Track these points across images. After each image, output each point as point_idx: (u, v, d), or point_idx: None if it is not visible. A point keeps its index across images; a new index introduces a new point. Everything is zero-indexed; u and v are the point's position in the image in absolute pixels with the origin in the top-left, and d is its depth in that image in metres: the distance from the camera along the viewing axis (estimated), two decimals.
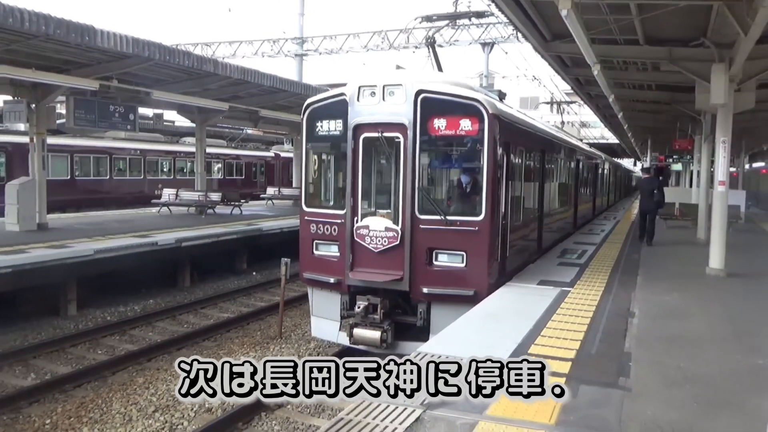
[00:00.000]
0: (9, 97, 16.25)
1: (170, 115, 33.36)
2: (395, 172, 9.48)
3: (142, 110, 21.18)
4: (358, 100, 9.52)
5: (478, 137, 9.02)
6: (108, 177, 28.11)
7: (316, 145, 10.54)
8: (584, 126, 50.32)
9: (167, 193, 22.51)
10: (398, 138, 9.28)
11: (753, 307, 9.14)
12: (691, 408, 5.14)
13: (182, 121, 30.33)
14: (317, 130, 10.05)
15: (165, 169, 31.86)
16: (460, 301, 8.86)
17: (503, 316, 7.92)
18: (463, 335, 7.01)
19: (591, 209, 24.79)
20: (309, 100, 10.25)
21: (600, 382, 5.63)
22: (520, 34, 15.08)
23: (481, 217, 9.03)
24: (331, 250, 9.89)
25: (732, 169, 19.97)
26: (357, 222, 9.54)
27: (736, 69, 10.82)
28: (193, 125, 23.08)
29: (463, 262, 9.07)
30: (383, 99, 9.35)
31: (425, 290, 9.12)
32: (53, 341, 11.06)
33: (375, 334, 9.14)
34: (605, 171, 30.97)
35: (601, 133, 47.62)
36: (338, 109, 9.68)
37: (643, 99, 19.25)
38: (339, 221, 9.73)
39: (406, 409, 4.89)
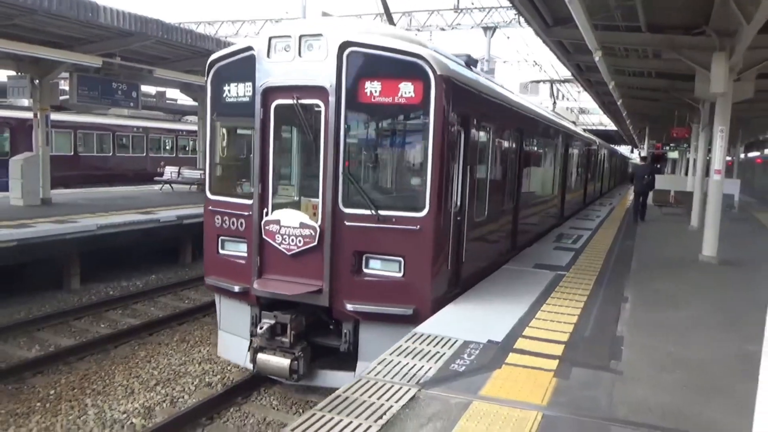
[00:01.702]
0: (12, 73, 16.13)
1: (173, 94, 33.17)
2: (315, 152, 7.32)
3: (144, 88, 21.01)
4: (268, 56, 7.30)
5: (422, 107, 6.87)
6: (111, 154, 28.03)
7: (223, 114, 8.16)
8: (583, 112, 50.11)
9: (169, 171, 22.45)
10: (318, 106, 7.12)
11: (744, 294, 9.17)
12: (681, 392, 5.17)
13: (185, 100, 30.16)
14: (224, 95, 7.87)
15: (167, 147, 31.77)
16: (396, 320, 6.93)
17: (498, 299, 7.93)
18: (459, 317, 7.03)
19: (581, 198, 22.86)
20: (213, 57, 8.02)
21: (592, 365, 5.66)
22: (522, 19, 14.90)
23: (424, 212, 6.87)
24: (239, 250, 7.80)
25: (728, 158, 19.92)
26: (266, 215, 7.45)
27: (736, 58, 10.73)
28: (196, 104, 22.94)
29: (400, 270, 6.98)
30: (299, 54, 7.14)
31: (350, 306, 7.05)
32: (57, 314, 11.09)
33: (282, 363, 7.19)
34: (600, 156, 29.45)
35: (599, 119, 47.46)
36: (248, 68, 7.49)
37: (643, 86, 19.12)
38: (246, 213, 7.65)
39: (401, 387, 4.92)
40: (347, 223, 7.06)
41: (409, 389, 4.89)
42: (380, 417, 4.38)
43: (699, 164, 17.95)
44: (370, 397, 4.72)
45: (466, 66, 8.62)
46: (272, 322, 7.22)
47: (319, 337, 7.57)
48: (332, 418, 4.33)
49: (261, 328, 7.19)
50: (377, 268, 7.11)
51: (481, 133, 8.72)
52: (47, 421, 7.23)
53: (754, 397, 4.26)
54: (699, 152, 18.46)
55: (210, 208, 8.11)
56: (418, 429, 4.24)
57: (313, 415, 4.37)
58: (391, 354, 5.67)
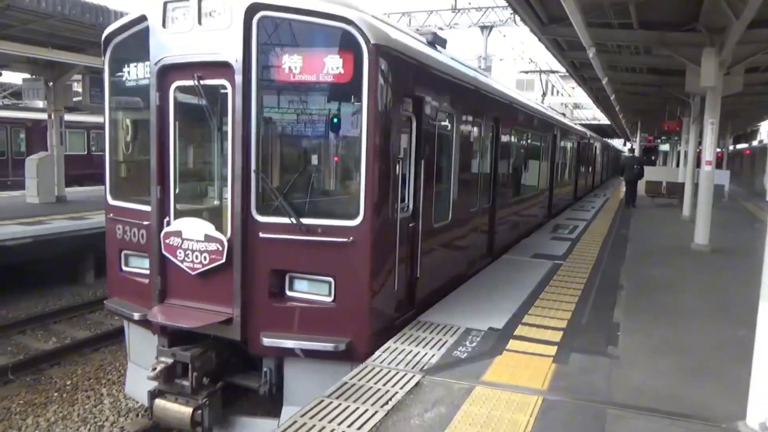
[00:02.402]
0: (27, 75, 16.12)
1: None
2: (221, 145, 5.82)
3: None
4: (164, 25, 5.75)
5: (354, 86, 5.24)
6: None
7: (123, 101, 6.55)
8: (577, 107, 49.95)
9: None
10: (224, 87, 5.55)
11: (735, 281, 9.13)
12: (676, 376, 5.15)
13: None
14: (124, 78, 6.32)
15: None
16: (328, 356, 5.39)
17: (499, 288, 7.91)
18: (460, 305, 7.01)
19: (572, 192, 21.71)
20: (108, 31, 6.40)
21: (590, 351, 5.64)
22: (518, 18, 14.83)
23: (358, 220, 5.29)
24: (143, 267, 6.24)
25: (717, 150, 19.88)
26: (167, 225, 5.88)
27: (726, 53, 10.66)
28: None
29: (330, 293, 5.41)
30: (199, 22, 5.58)
31: (267, 340, 5.44)
32: (73, 307, 11.10)
33: (183, 412, 5.58)
34: (592, 149, 28.47)
35: (593, 114, 47.28)
36: (145, 42, 5.93)
37: (635, 82, 19.03)
38: (146, 223, 6.09)
39: (406, 374, 4.90)
40: (263, 235, 5.46)
41: (414, 375, 4.88)
42: (386, 403, 4.37)
43: (690, 156, 17.90)
44: (375, 383, 4.71)
45: (430, 45, 7.23)
46: (169, 361, 5.63)
47: (238, 375, 6.01)
48: (339, 404, 4.32)
49: (154, 370, 5.56)
50: (303, 290, 5.54)
51: (442, 122, 7.14)
52: (64, 411, 7.25)
53: (745, 380, 4.25)
54: (690, 144, 18.41)
55: (110, 215, 6.56)
56: (422, 413, 4.23)
57: (321, 401, 4.36)
58: (395, 342, 5.65)
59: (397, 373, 4.93)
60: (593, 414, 4.32)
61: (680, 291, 8.39)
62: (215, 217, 5.76)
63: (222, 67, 5.47)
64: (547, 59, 29.96)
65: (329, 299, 5.43)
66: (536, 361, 5.34)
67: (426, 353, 5.39)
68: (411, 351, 5.43)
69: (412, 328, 6.09)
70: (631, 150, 26.34)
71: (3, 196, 16.85)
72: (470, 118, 8.24)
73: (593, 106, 36.23)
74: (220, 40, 5.48)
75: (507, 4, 13.16)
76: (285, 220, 5.43)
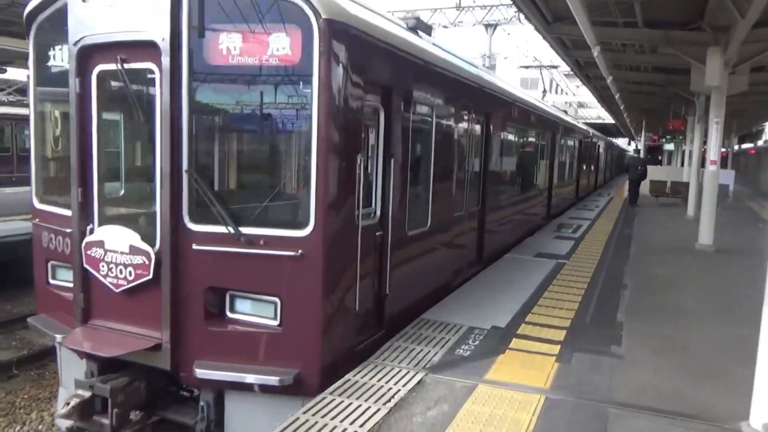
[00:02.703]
0: None
1: None
2: (150, 140, 5.00)
3: None
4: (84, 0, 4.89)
5: (303, 70, 4.47)
6: None
7: (49, 90, 5.70)
8: (582, 106, 49.84)
9: None
10: (152, 72, 4.74)
11: (739, 281, 9.10)
12: (679, 376, 5.14)
13: None
14: (49, 62, 5.51)
15: None
16: (273, 391, 4.63)
17: (502, 287, 7.90)
18: (463, 304, 7.00)
19: (573, 193, 20.91)
20: (30, 8, 5.55)
21: (593, 350, 5.63)
22: (522, 16, 14.80)
23: (308, 229, 4.51)
24: (70, 280, 5.33)
25: (722, 150, 19.84)
26: (89, 233, 5.07)
27: (731, 52, 10.63)
28: None
29: (275, 316, 4.66)
30: None
31: (200, 372, 4.68)
32: None
33: None
34: (595, 148, 27.54)
35: (597, 113, 47.18)
36: (65, 20, 5.07)
37: (640, 81, 19.01)
38: (69, 230, 5.27)
39: (409, 372, 4.91)
40: (197, 247, 4.65)
41: (416, 373, 4.88)
42: (389, 400, 4.37)
43: (695, 155, 17.83)
44: (378, 381, 4.72)
45: (411, 31, 6.44)
46: (86, 395, 4.73)
47: (172, 409, 5.15)
48: (342, 401, 4.32)
49: (67, 405, 4.69)
50: (246, 312, 4.76)
51: (419, 115, 6.31)
52: None
53: (749, 380, 4.24)
54: (694, 144, 18.33)
55: (36, 221, 5.74)
56: (425, 411, 4.23)
57: (324, 398, 4.37)
58: (398, 340, 5.66)
59: (400, 370, 4.93)
60: (596, 413, 4.32)
61: (684, 291, 8.37)
62: (149, 224, 4.87)
63: (148, 48, 4.64)
64: (551, 58, 29.88)
65: (275, 323, 4.64)
66: (539, 360, 5.34)
67: (428, 351, 5.39)
68: (413, 349, 5.43)
69: (414, 326, 6.09)
70: (636, 150, 26.47)
71: (7, 192, 16.90)
72: (454, 112, 7.32)
73: (597, 105, 36.17)
74: (145, 15, 4.64)
75: (512, 2, 13.13)
76: (221, 229, 4.60)
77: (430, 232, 6.78)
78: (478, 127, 8.57)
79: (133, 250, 4.80)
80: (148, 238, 4.78)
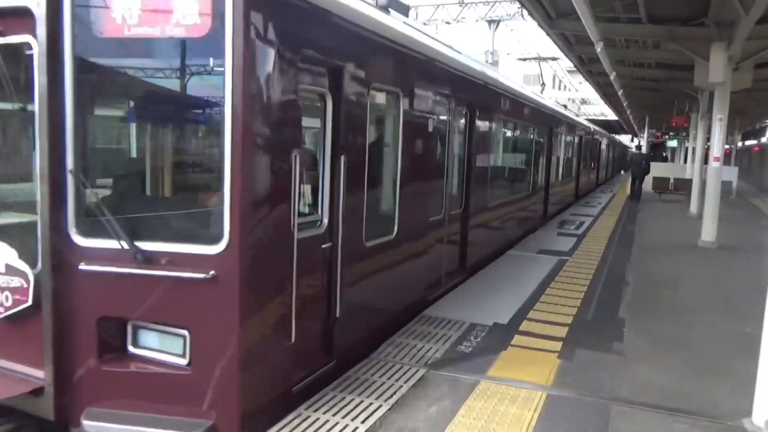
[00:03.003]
0: None
1: None
2: (28, 130, 4.07)
3: None
4: None
5: (214, 43, 3.55)
6: None
7: None
8: (585, 103, 49.71)
9: None
10: (29, 47, 3.75)
11: (742, 278, 9.08)
12: (681, 372, 5.13)
13: None
14: None
15: None
16: None
17: (505, 283, 7.90)
18: (465, 300, 7.00)
19: (572, 191, 19.98)
20: None
21: (595, 347, 5.63)
22: (525, 12, 14.75)
23: (222, 244, 3.62)
24: None
25: (726, 146, 19.79)
26: None
27: (735, 48, 10.57)
28: None
29: (184, 353, 3.80)
30: None
31: (88, 424, 3.74)
32: None
33: None
34: (597, 145, 26.65)
35: (600, 110, 47.06)
36: None
37: (643, 77, 18.95)
38: None
39: (411, 368, 4.91)
40: (85, 267, 3.73)
41: (418, 370, 4.88)
42: (390, 396, 4.37)
43: (698, 152, 17.79)
44: (380, 377, 4.72)
45: (382, 9, 5.57)
46: None
47: None
48: (344, 397, 4.32)
49: None
50: (152, 347, 3.86)
51: (381, 104, 5.52)
52: None
53: (751, 377, 4.23)
54: (698, 141, 18.29)
55: None
56: (427, 408, 4.23)
57: (326, 394, 4.37)
58: (399, 336, 5.66)
59: (402, 367, 4.93)
60: (598, 410, 4.32)
61: (686, 287, 8.35)
62: (30, 238, 3.85)
63: (21, 17, 3.65)
64: (553, 53, 29.77)
65: (183, 361, 3.74)
66: (541, 356, 5.33)
67: (430, 348, 5.39)
68: (415, 345, 5.43)
69: (416, 323, 6.09)
70: (638, 147, 26.92)
71: None
72: (430, 103, 6.34)
73: (600, 101, 36.08)
74: None
75: None
76: (114, 244, 3.69)
77: (398, 241, 5.75)
78: (461, 121, 7.66)
79: (10, 271, 3.83)
80: (29, 256, 3.80)
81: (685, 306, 7.32)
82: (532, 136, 12.51)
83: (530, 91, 13.67)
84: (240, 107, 3.49)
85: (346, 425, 3.92)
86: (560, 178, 16.58)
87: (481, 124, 8.33)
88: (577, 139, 19.80)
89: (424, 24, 27.89)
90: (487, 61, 21.27)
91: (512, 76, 14.40)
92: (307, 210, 4.38)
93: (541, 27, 13.01)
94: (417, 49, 6.00)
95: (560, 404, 4.38)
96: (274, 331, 3.93)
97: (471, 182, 8.04)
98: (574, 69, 22.18)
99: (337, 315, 4.64)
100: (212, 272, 3.57)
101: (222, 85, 3.50)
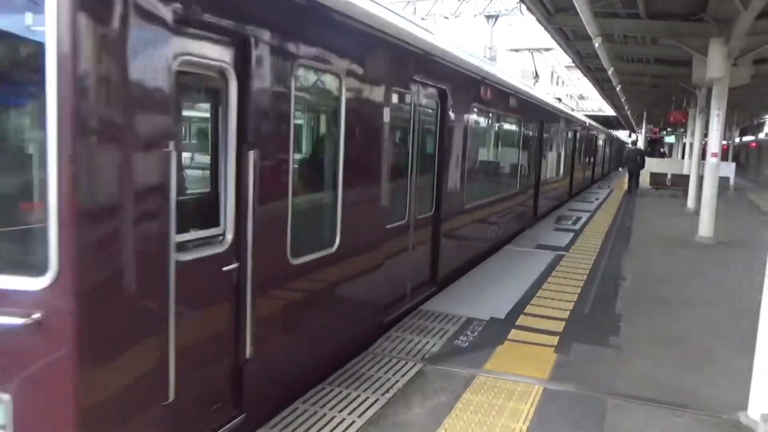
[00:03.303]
0: None
1: None
2: None
3: None
4: None
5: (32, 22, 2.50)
6: None
7: None
8: (582, 98, 49.71)
9: None
10: None
11: (739, 272, 9.10)
12: (677, 366, 5.14)
13: None
14: None
15: None
16: None
17: (502, 277, 7.90)
18: (462, 295, 7.00)
19: (566, 188, 18.98)
20: None
21: (592, 341, 5.64)
22: (524, 7, 14.73)
23: (48, 277, 2.51)
24: None
25: (723, 142, 19.82)
26: None
27: (734, 44, 10.58)
28: None
29: (5, 424, 2.66)
30: None
31: None
32: None
33: None
34: (593, 140, 25.47)
35: (598, 105, 47.06)
36: None
37: (642, 72, 18.95)
38: None
39: (407, 362, 4.91)
40: None
41: (415, 364, 4.88)
42: (387, 390, 4.38)
43: (695, 148, 17.80)
44: (377, 371, 4.72)
45: None
46: None
47: None
48: (340, 392, 4.32)
49: None
50: None
51: (317, 86, 4.61)
52: None
53: (747, 371, 4.24)
54: (695, 136, 18.30)
55: None
56: (423, 402, 4.24)
57: (323, 389, 4.37)
58: (396, 330, 5.66)
59: (399, 361, 4.93)
60: (594, 403, 4.32)
61: (683, 282, 8.37)
62: None
63: None
64: (548, 45, 29.69)
65: None
66: (538, 350, 5.34)
67: (427, 342, 5.39)
68: (412, 340, 5.44)
69: (413, 317, 6.09)
70: (634, 142, 27.86)
71: None
72: (384, 87, 5.25)
73: (598, 97, 36.07)
74: None
75: None
76: None
77: (341, 254, 4.69)
78: (428, 110, 6.63)
79: None
80: None
81: (682, 301, 7.34)
82: (519, 130, 11.41)
83: (519, 81, 12.36)
84: (70, 83, 2.44)
85: (343, 419, 3.93)
86: (552, 174, 15.78)
87: (455, 115, 7.18)
88: (571, 134, 18.96)
89: (422, 18, 27.81)
90: (485, 57, 21.19)
91: (510, 71, 14.37)
92: (199, 222, 3.46)
93: (540, 22, 13.00)
94: (366, 20, 4.89)
95: (557, 398, 4.39)
96: (136, 391, 2.87)
97: (444, 181, 7.03)
98: (573, 65, 22.17)
99: (247, 355, 3.57)
100: (35, 315, 2.52)
101: (41, 50, 2.43)
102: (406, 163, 6.19)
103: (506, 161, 10.93)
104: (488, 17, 28.19)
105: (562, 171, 17.59)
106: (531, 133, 12.44)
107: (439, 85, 6.64)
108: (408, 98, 6.02)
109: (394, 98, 5.59)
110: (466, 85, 7.75)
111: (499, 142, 10.31)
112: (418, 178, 6.37)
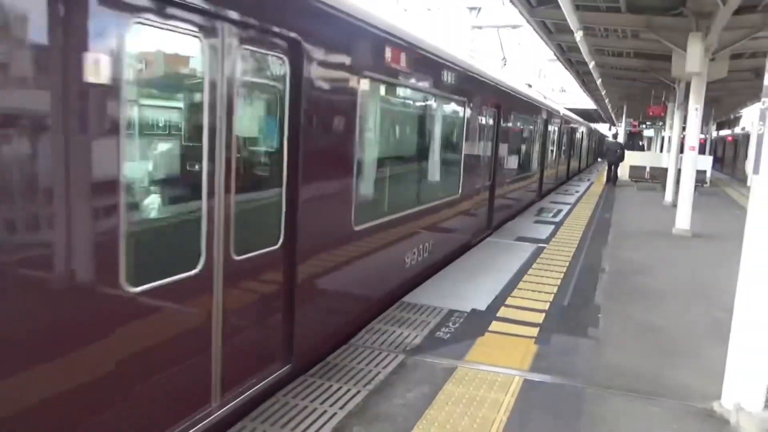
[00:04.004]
0: None
1: None
2: None
3: None
4: None
5: None
6: None
7: None
8: (563, 92, 50.06)
9: None
10: None
11: (715, 264, 9.28)
12: (654, 357, 5.24)
13: None
14: None
15: None
16: None
17: (483, 270, 7.95)
18: (443, 287, 7.04)
19: (535, 186, 16.44)
20: None
21: (571, 332, 5.71)
22: None
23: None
24: None
25: (701, 136, 20.09)
26: None
27: (712, 38, 10.72)
28: None
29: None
30: None
31: None
32: None
33: None
34: (569, 132, 23.90)
35: (579, 99, 47.45)
36: None
37: (622, 66, 19.15)
38: None
39: (389, 354, 4.93)
40: None
41: (397, 356, 4.90)
42: (369, 382, 4.39)
43: (674, 141, 18.04)
44: (358, 363, 4.73)
45: None
46: None
47: None
48: (322, 383, 4.33)
49: None
50: None
51: (181, 52, 3.30)
52: None
53: (721, 361, 4.33)
54: (674, 130, 18.55)
55: None
56: (405, 393, 4.26)
57: (304, 380, 4.37)
58: (378, 323, 5.67)
59: (380, 353, 4.95)
60: (573, 393, 4.39)
61: (661, 274, 8.51)
62: None
63: None
64: (534, 43, 29.81)
65: None
66: (518, 342, 5.40)
67: (409, 334, 5.41)
68: (394, 332, 5.46)
69: (395, 309, 6.11)
70: (615, 135, 28.80)
71: None
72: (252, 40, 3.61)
73: (579, 90, 36.33)
74: None
75: None
76: None
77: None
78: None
79: None
80: None
81: (659, 292, 7.46)
82: (462, 116, 8.57)
83: (467, 54, 10.46)
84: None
85: (324, 411, 3.93)
86: (515, 172, 13.17)
87: (319, 85, 4.46)
88: (541, 125, 16.30)
89: (405, 10, 27.65)
90: (469, 48, 21.14)
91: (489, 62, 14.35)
92: None
93: (522, 14, 13.05)
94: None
95: (536, 389, 4.45)
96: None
97: (302, 197, 4.28)
98: (555, 58, 22.29)
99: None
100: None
101: None
102: (275, 148, 4.15)
103: (435, 159, 7.95)
104: (471, 9, 28.18)
105: (529, 167, 15.12)
106: (485, 121, 9.83)
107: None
108: (290, 62, 4.07)
109: (261, 59, 3.89)
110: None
111: (426, 132, 7.70)
112: (293, 174, 4.19)
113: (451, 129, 8.53)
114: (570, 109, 33.13)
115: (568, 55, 19.21)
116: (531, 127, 14.85)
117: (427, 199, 7.47)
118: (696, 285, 8.02)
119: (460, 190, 8.73)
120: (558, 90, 48.64)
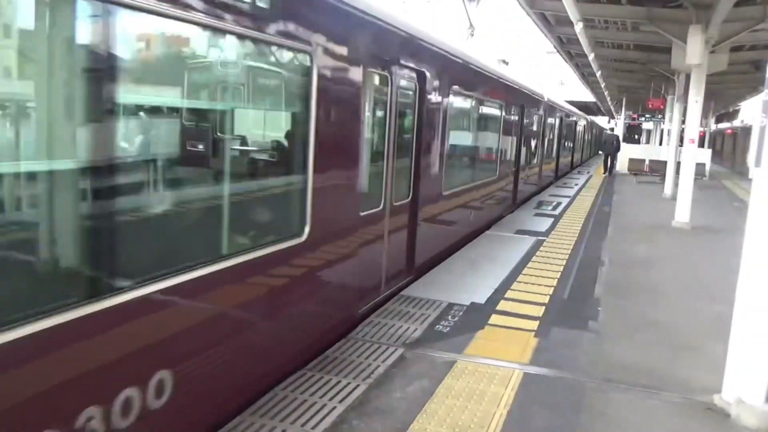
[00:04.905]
0: None
1: None
2: None
3: None
4: None
5: None
6: None
7: None
8: (562, 84, 49.95)
9: None
10: None
11: (714, 257, 9.27)
12: (654, 350, 5.23)
13: None
14: None
15: None
16: None
17: (482, 263, 7.94)
18: (443, 280, 7.02)
19: (534, 184, 15.64)
20: None
21: (571, 326, 5.70)
22: None
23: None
24: None
25: (700, 129, 20.08)
26: None
27: (712, 30, 10.67)
28: None
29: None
30: None
31: None
32: None
33: None
34: (566, 125, 21.99)
35: (578, 91, 47.33)
36: None
37: (621, 58, 19.10)
38: None
39: (389, 348, 4.91)
40: None
41: (396, 349, 4.89)
42: (368, 376, 4.38)
43: (673, 134, 18.01)
44: (358, 357, 4.71)
45: None
46: None
47: None
48: (321, 377, 4.31)
49: None
50: None
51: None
52: None
53: (722, 355, 4.32)
54: (673, 123, 18.51)
55: None
56: (404, 387, 4.25)
57: (303, 374, 4.36)
58: (377, 316, 5.66)
59: (380, 346, 4.93)
60: (573, 387, 4.38)
61: (660, 267, 8.50)
62: None
63: None
64: (533, 35, 29.68)
65: None
66: (518, 335, 5.38)
67: (408, 327, 5.40)
68: (394, 325, 5.44)
69: (395, 302, 6.10)
70: (612, 129, 30.33)
71: None
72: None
73: (578, 83, 36.22)
74: None
75: None
76: None
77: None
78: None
79: None
80: None
81: (659, 286, 7.45)
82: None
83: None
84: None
85: (324, 404, 3.92)
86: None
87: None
88: (536, 118, 14.74)
89: (403, 2, 27.43)
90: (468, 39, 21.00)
91: (489, 55, 14.26)
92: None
93: (522, 6, 12.98)
94: None
95: (536, 382, 4.43)
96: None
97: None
98: (554, 51, 22.21)
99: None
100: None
101: None
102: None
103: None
104: (469, 0, 28.01)
105: (523, 160, 13.61)
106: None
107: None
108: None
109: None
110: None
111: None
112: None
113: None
114: (569, 102, 33.02)
115: (567, 48, 19.16)
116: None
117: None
118: (696, 278, 8.01)
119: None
120: (558, 82, 48.51)
